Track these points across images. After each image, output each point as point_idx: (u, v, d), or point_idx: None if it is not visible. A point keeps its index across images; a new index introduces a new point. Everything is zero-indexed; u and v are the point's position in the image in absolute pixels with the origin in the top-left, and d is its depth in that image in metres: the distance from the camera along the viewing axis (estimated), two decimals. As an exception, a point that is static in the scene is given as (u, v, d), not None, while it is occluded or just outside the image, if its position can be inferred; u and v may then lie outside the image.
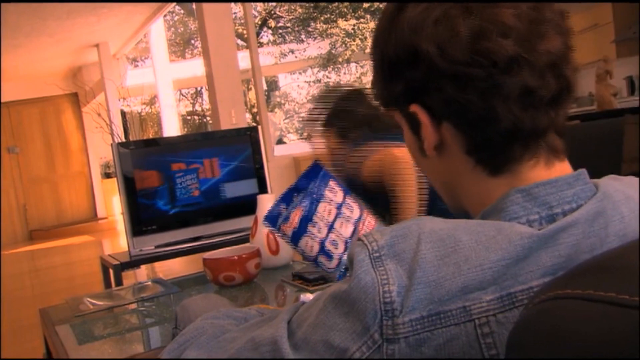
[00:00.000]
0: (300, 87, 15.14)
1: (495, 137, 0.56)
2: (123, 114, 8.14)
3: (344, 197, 0.98)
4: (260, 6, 13.38)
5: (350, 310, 0.50)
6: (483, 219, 0.56)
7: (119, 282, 2.43)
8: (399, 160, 1.68)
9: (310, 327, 0.53)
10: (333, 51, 13.96)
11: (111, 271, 2.51)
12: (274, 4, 13.55)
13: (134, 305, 1.97)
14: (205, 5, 4.58)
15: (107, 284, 2.64)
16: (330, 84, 14.80)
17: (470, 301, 0.48)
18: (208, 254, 1.91)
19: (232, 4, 5.40)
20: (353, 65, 14.66)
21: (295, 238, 0.90)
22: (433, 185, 0.69)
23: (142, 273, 4.38)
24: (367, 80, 14.89)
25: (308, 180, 0.95)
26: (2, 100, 8.63)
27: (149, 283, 2.09)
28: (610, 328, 0.35)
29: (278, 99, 15.20)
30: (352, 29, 13.39)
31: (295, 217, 0.90)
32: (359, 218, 0.97)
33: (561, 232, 0.51)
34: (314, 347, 0.52)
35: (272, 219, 0.91)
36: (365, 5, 13.07)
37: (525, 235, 0.50)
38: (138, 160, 2.47)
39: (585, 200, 0.54)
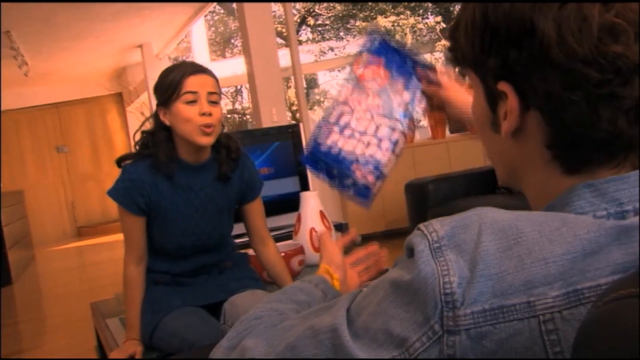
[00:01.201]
0: (339, 85, 15.13)
1: (585, 141, 0.52)
2: (166, 113, 8.29)
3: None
4: (299, 4, 13.42)
5: (411, 300, 0.50)
6: None
7: (164, 277, 2.47)
8: None
9: (371, 315, 0.53)
10: (372, 48, 13.88)
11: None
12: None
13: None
14: (246, 4, 4.62)
15: (153, 280, 2.69)
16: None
17: (535, 296, 0.46)
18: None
19: (272, 3, 5.43)
20: (392, 61, 14.54)
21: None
22: (491, 159, 0.65)
23: (186, 269, 4.46)
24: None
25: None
26: (51, 102, 8.95)
27: (195, 279, 2.12)
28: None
29: (317, 97, 15.22)
30: (392, 25, 13.29)
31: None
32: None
33: (634, 230, 0.48)
34: (375, 336, 0.51)
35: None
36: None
37: (592, 229, 0.48)
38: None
39: None
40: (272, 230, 2.56)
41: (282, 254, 1.89)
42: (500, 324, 0.47)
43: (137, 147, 1.70)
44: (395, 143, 0.92)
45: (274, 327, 0.63)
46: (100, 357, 2.20)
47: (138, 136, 1.72)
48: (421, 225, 0.52)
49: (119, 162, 1.69)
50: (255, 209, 1.83)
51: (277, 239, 2.42)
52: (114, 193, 1.64)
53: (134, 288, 1.65)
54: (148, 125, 1.73)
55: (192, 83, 1.60)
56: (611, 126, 0.50)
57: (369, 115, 0.93)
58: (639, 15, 0.48)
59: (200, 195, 1.69)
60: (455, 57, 0.61)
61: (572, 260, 0.47)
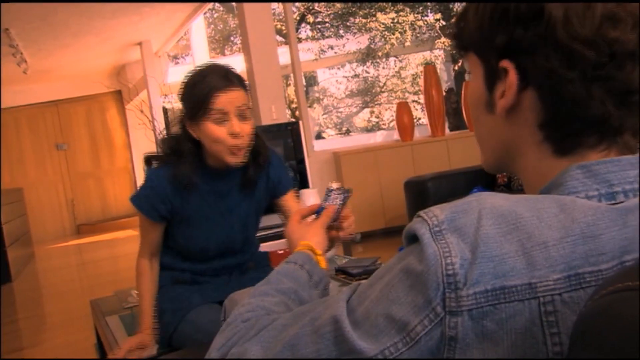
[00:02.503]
0: (338, 82, 15.13)
1: (576, 120, 0.56)
2: (165, 110, 8.28)
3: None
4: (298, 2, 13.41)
5: (413, 283, 0.50)
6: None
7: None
8: None
9: (373, 302, 0.53)
10: (372, 46, 13.89)
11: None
12: (313, -1, 13.54)
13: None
14: (245, 2, 4.62)
15: (153, 277, 2.70)
16: (369, 79, 14.73)
17: (537, 278, 0.47)
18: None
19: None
20: (392, 59, 14.55)
21: None
22: (481, 142, 0.67)
23: (185, 267, 4.47)
24: (406, 74, 14.74)
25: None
26: (51, 99, 8.96)
27: (194, 276, 2.12)
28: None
29: (317, 94, 15.22)
30: (392, 22, 13.28)
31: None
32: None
33: (632, 213, 0.49)
34: (376, 322, 0.51)
35: None
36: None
37: (589, 213, 0.49)
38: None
39: None
40: (272, 227, 2.57)
41: (282, 251, 1.89)
42: (501, 304, 0.47)
43: (162, 150, 1.63)
44: None
45: (265, 329, 0.62)
46: (99, 354, 2.20)
47: (163, 136, 1.67)
48: (420, 212, 0.53)
49: (148, 160, 1.64)
50: (289, 203, 1.76)
51: (278, 236, 2.44)
52: (135, 199, 1.61)
53: (145, 278, 1.65)
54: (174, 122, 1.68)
55: (221, 101, 1.50)
56: (601, 106, 0.54)
57: None
58: (638, 7, 0.53)
59: (227, 200, 1.66)
60: (461, 39, 0.64)
61: (573, 244, 0.48)
